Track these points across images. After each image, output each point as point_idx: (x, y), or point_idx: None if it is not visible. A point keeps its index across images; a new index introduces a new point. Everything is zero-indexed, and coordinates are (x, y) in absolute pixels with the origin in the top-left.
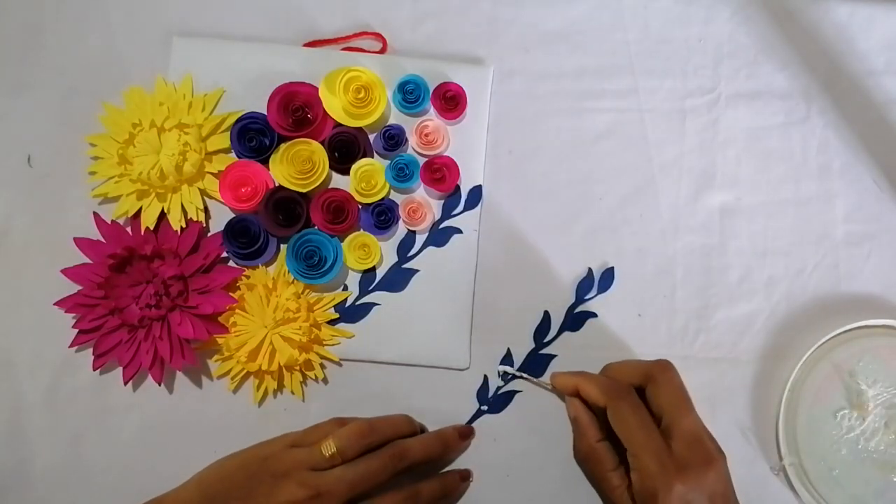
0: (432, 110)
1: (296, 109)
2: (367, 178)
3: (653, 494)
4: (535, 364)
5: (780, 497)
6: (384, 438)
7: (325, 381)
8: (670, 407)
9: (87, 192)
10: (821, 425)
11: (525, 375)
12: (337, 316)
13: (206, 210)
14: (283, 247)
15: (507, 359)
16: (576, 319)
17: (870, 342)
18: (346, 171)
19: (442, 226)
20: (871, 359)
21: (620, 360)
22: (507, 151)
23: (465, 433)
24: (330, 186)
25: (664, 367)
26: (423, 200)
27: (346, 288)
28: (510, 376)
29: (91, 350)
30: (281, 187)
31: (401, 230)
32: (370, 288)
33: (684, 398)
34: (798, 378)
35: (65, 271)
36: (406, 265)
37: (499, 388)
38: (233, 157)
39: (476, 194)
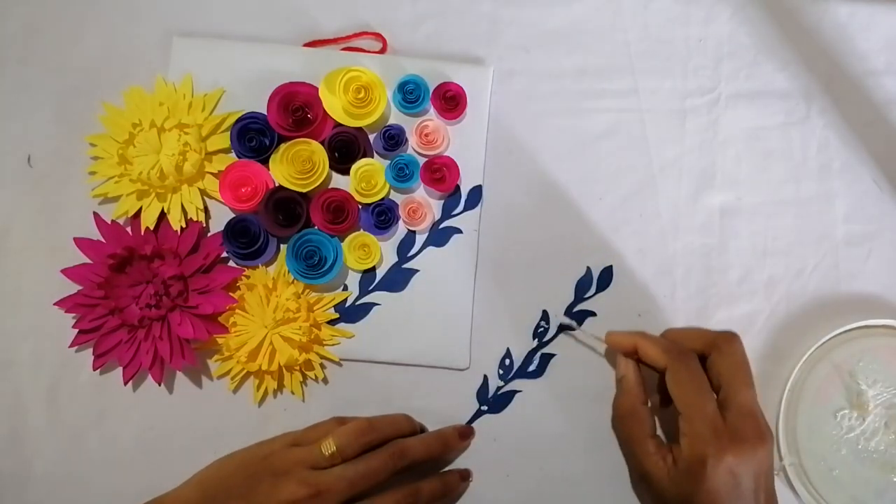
0: (432, 110)
1: (296, 109)
2: (367, 178)
3: (701, 460)
4: (535, 363)
5: (780, 497)
6: (384, 437)
7: (325, 381)
8: (731, 378)
9: (87, 192)
10: (821, 425)
11: (581, 329)
12: (337, 316)
13: (206, 210)
14: (283, 247)
15: (507, 358)
16: (575, 318)
17: (870, 342)
18: (346, 171)
19: (442, 226)
20: (871, 359)
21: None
22: (507, 151)
23: (465, 433)
24: (330, 186)
25: (730, 338)
26: (423, 200)
27: (346, 288)
28: (565, 328)
29: (91, 350)
30: (281, 187)
31: (401, 230)
32: (370, 288)
33: (746, 372)
34: (798, 378)
35: (65, 271)
36: (406, 265)
37: (499, 388)
38: (233, 157)
39: (476, 194)
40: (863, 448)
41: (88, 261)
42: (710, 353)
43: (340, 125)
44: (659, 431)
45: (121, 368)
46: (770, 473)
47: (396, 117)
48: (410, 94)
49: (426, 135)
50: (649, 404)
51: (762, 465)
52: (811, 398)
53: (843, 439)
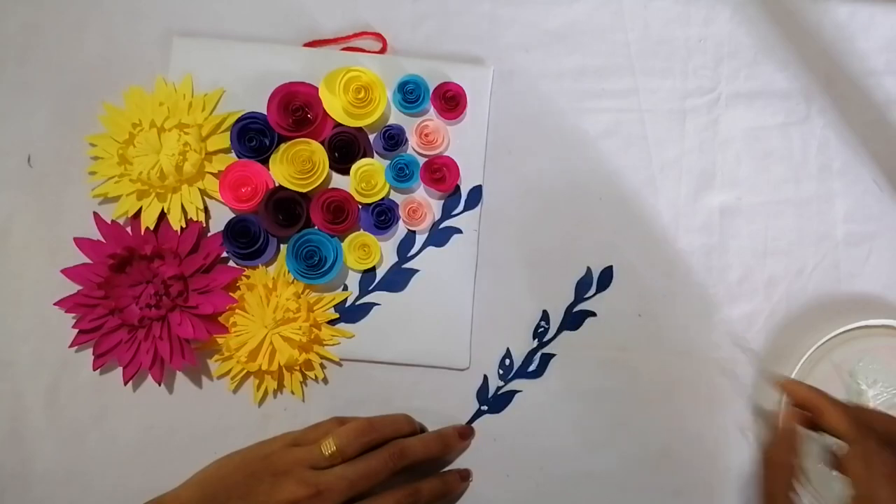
0: (432, 110)
1: (296, 109)
2: (367, 178)
3: None
4: (535, 363)
5: None
6: (384, 437)
7: (325, 381)
8: None
9: (87, 192)
10: None
11: (761, 363)
12: (337, 316)
13: (206, 210)
14: (283, 247)
15: (507, 358)
16: (575, 318)
17: (870, 342)
18: (346, 171)
19: (442, 226)
20: (871, 359)
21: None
22: (507, 151)
23: (465, 433)
24: (330, 186)
25: None
26: (423, 200)
27: (346, 288)
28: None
29: (91, 350)
30: (281, 187)
31: (401, 230)
32: (370, 288)
33: None
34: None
35: (65, 271)
36: (406, 265)
37: (499, 388)
38: (233, 157)
39: (476, 194)
40: None
41: (88, 261)
42: None
43: (340, 125)
44: None
45: (121, 368)
46: None
47: (396, 117)
48: (410, 94)
49: (426, 135)
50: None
51: None
52: None
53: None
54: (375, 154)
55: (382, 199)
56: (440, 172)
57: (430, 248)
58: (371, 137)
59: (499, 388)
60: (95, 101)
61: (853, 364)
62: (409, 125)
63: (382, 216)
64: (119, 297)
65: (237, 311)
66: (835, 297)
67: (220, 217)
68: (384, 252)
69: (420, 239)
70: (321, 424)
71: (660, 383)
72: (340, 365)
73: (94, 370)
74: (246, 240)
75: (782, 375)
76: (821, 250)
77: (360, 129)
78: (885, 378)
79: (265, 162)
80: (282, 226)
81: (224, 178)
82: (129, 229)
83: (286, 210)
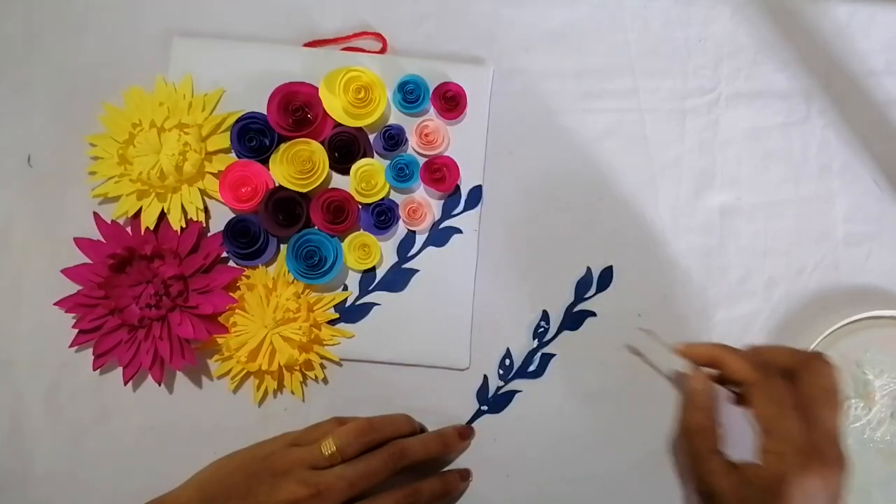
0: (432, 110)
1: (296, 109)
2: (367, 178)
3: (779, 478)
4: (535, 363)
5: None
6: (384, 437)
7: (325, 381)
8: (818, 400)
9: (87, 192)
10: None
11: (658, 337)
12: (337, 316)
13: (206, 210)
14: (283, 247)
15: (507, 358)
16: (575, 318)
17: (876, 333)
18: (346, 171)
19: (442, 226)
20: (878, 349)
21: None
22: (507, 151)
23: (464, 433)
24: (330, 186)
25: (818, 358)
26: (423, 200)
27: (346, 288)
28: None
29: (91, 350)
30: (281, 187)
31: (401, 230)
32: (370, 288)
33: (836, 395)
34: None
35: (65, 271)
36: (406, 265)
37: (499, 388)
38: (233, 157)
39: (476, 194)
40: (868, 438)
41: (88, 261)
42: (801, 373)
43: (340, 125)
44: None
45: (121, 368)
46: (841, 500)
47: (396, 117)
48: (410, 94)
49: (426, 135)
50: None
51: (838, 491)
52: None
53: (848, 429)
54: (375, 154)
55: (382, 199)
56: (440, 172)
57: (430, 248)
58: (371, 137)
59: (499, 388)
60: (95, 101)
61: (860, 354)
62: (409, 125)
63: (382, 216)
64: (119, 297)
65: (237, 311)
66: (835, 298)
67: (220, 217)
68: (384, 252)
69: (420, 239)
70: (321, 424)
71: (660, 383)
72: (340, 365)
73: (94, 370)
74: (246, 240)
75: (680, 343)
76: (821, 250)
77: (360, 129)
78: (891, 368)
79: (265, 162)
80: (282, 226)
81: (224, 178)
82: (129, 229)
83: (286, 210)
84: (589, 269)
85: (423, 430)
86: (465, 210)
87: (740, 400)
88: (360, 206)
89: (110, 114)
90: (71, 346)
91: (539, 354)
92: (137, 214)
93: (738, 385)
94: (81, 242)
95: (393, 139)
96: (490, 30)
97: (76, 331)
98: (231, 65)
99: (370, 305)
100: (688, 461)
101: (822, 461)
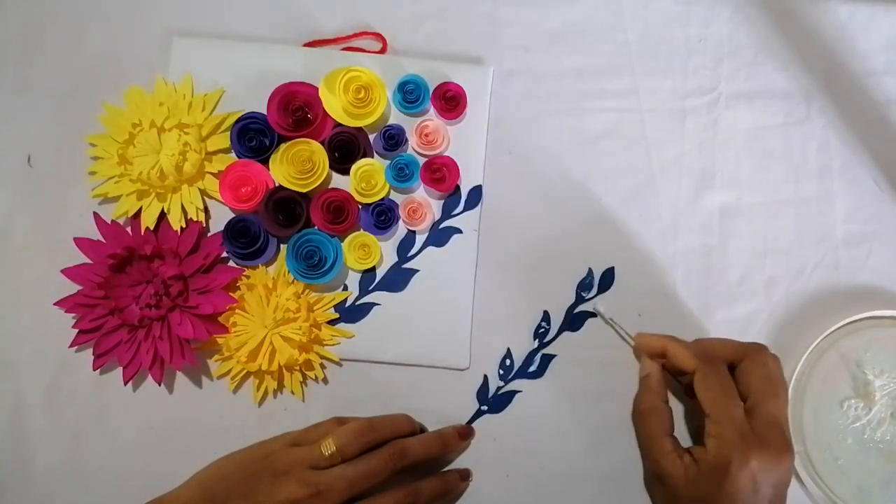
0: (432, 110)
1: (296, 109)
2: (367, 178)
3: (725, 463)
4: (536, 363)
5: None
6: (384, 437)
7: (325, 381)
8: (760, 387)
9: (87, 192)
10: (827, 414)
11: (615, 324)
12: (337, 316)
13: (206, 210)
14: (283, 247)
15: (508, 358)
16: (576, 319)
17: (877, 332)
18: (346, 171)
19: (442, 226)
20: (879, 349)
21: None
22: (507, 151)
23: (464, 433)
24: (330, 186)
25: (760, 349)
26: (423, 200)
27: (346, 288)
28: (597, 315)
29: (91, 350)
30: (281, 187)
31: (401, 230)
32: (370, 288)
33: (777, 382)
34: (805, 367)
35: (65, 271)
36: (406, 265)
37: (499, 388)
38: (233, 157)
39: (476, 194)
40: (868, 438)
41: (88, 261)
42: (741, 362)
43: (340, 125)
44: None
45: (121, 368)
46: (786, 486)
47: (396, 117)
48: (410, 94)
49: (426, 135)
50: (669, 404)
51: (783, 476)
52: (818, 387)
53: (848, 429)
54: (375, 154)
55: (382, 199)
56: (440, 172)
57: (430, 248)
58: (371, 137)
59: (499, 389)
60: (95, 101)
61: (860, 354)
62: (409, 125)
63: (382, 216)
64: (119, 297)
65: (237, 311)
66: (835, 298)
67: (220, 217)
68: (384, 252)
69: (420, 239)
70: (321, 424)
71: None
72: (340, 365)
73: (94, 370)
74: (246, 240)
75: (636, 334)
76: (821, 250)
77: (360, 129)
78: (891, 368)
79: (265, 162)
80: (282, 226)
81: (224, 178)
82: (129, 229)
83: (286, 210)
84: (590, 270)
85: (423, 430)
86: (465, 210)
87: (688, 390)
88: (360, 206)
89: (110, 114)
90: (71, 346)
91: (539, 355)
92: (137, 214)
93: (684, 374)
94: (81, 242)
95: (393, 139)
96: (490, 30)
97: (76, 331)
98: (231, 65)
99: (370, 305)
100: (641, 442)
101: (763, 447)
